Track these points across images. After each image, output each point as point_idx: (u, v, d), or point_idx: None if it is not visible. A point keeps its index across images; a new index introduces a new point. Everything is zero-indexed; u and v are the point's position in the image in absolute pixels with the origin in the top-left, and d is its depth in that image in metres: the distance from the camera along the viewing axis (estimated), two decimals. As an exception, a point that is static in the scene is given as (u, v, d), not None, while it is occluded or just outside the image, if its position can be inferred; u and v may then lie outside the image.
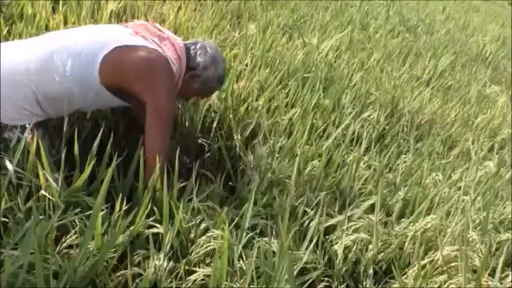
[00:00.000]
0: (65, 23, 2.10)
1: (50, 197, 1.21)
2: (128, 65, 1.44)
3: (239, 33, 2.98)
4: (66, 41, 1.48)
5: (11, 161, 1.22)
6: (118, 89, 1.46)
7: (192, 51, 1.66)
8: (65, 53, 1.42)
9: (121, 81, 1.44)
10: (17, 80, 1.38)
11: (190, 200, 1.37)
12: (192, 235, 1.34)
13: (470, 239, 1.57)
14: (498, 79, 4.89)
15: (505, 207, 1.96)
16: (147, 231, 1.30)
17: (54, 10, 2.20)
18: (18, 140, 1.29)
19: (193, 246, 1.31)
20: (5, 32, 1.87)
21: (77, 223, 1.24)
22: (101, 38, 1.48)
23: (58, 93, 1.42)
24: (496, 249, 1.62)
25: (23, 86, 1.39)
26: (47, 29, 2.07)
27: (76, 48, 1.43)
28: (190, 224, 1.34)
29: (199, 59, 1.65)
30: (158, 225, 1.30)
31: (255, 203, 1.45)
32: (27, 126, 1.35)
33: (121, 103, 1.54)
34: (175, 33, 2.61)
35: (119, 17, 2.54)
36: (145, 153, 1.38)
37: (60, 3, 2.16)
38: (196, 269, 1.27)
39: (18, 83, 1.39)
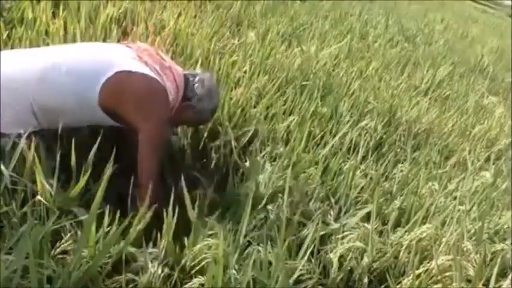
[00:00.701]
0: (65, 28, 2.10)
1: (46, 203, 1.21)
2: (127, 92, 1.46)
3: (238, 41, 3.00)
4: (69, 55, 1.49)
5: (6, 167, 1.22)
6: (113, 111, 1.49)
7: (190, 82, 1.70)
8: (67, 68, 1.43)
9: (118, 106, 1.47)
10: (15, 88, 1.39)
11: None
12: (187, 243, 1.34)
13: (465, 249, 1.57)
14: (496, 90, 4.91)
15: (500, 218, 1.96)
16: (144, 237, 1.31)
17: (54, 15, 2.22)
18: (14, 146, 1.30)
19: (189, 255, 1.31)
20: (5, 36, 1.87)
21: (72, 228, 1.24)
22: (105, 58, 1.50)
23: (54, 106, 1.43)
24: (491, 260, 1.62)
25: (21, 94, 1.40)
26: (46, 33, 2.08)
27: (78, 65, 1.46)
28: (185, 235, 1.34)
29: (196, 90, 1.69)
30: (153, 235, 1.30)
31: (251, 212, 1.45)
32: (22, 133, 1.34)
33: (112, 123, 1.56)
34: (175, 39, 2.63)
35: (119, 22, 2.55)
36: (139, 176, 1.44)
37: (61, 8, 2.18)
38: (191, 278, 1.27)
39: (17, 90, 1.39)
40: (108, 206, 1.23)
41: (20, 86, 1.40)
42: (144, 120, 1.47)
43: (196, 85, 1.69)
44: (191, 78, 1.71)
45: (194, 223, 1.32)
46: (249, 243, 1.38)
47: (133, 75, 1.47)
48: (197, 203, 1.43)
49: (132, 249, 1.26)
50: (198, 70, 1.81)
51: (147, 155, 1.47)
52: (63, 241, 1.22)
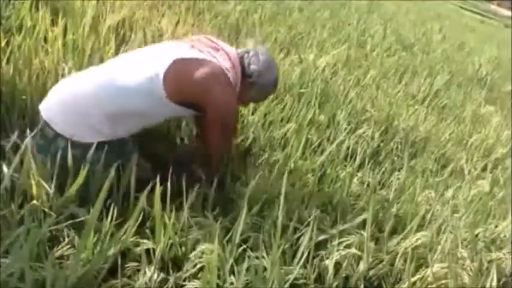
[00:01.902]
0: (64, 36, 2.11)
1: (42, 206, 1.21)
2: (188, 77, 1.51)
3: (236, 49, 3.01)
4: (127, 62, 1.58)
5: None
6: (181, 100, 1.53)
7: (245, 60, 1.73)
8: (129, 72, 1.51)
9: (182, 93, 1.52)
10: (87, 101, 1.47)
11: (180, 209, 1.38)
12: (183, 248, 1.34)
13: (460, 257, 1.58)
14: (493, 99, 4.94)
15: (497, 226, 1.97)
16: (140, 241, 1.31)
17: (53, 22, 2.23)
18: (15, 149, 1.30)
19: (185, 260, 1.31)
20: (3, 43, 1.88)
21: (69, 231, 1.25)
22: (162, 54, 1.56)
23: (126, 111, 1.50)
24: (487, 268, 1.62)
25: (93, 106, 1.47)
26: (45, 41, 2.09)
27: (138, 67, 1.53)
28: (181, 240, 1.34)
29: (253, 66, 1.71)
30: (149, 238, 1.31)
31: (246, 217, 1.45)
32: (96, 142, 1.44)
33: (187, 113, 1.63)
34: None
35: (118, 30, 2.57)
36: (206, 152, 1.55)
37: (60, 15, 2.19)
38: (187, 283, 1.27)
39: (89, 103, 1.47)
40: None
41: (91, 98, 1.47)
42: (209, 98, 1.52)
43: (252, 60, 1.72)
44: (245, 55, 1.73)
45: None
46: (245, 249, 1.38)
47: (189, 61, 1.53)
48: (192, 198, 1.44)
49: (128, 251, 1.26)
50: (251, 46, 1.82)
51: (214, 131, 1.53)
52: (60, 245, 1.23)
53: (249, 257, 1.32)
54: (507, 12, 29.65)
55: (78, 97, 1.48)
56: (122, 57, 1.67)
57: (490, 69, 6.48)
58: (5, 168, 1.25)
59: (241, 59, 1.72)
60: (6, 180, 1.22)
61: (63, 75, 1.89)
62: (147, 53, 1.62)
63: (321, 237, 1.59)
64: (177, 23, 2.99)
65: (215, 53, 1.62)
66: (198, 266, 1.29)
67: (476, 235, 1.70)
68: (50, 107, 1.50)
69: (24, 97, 1.75)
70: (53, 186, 1.26)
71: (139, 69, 1.51)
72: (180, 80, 1.50)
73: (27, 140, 1.31)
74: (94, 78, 1.52)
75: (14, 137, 1.37)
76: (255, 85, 1.73)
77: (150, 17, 2.94)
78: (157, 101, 1.49)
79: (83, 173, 1.30)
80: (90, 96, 1.47)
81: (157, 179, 1.33)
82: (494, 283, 1.48)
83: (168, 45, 1.66)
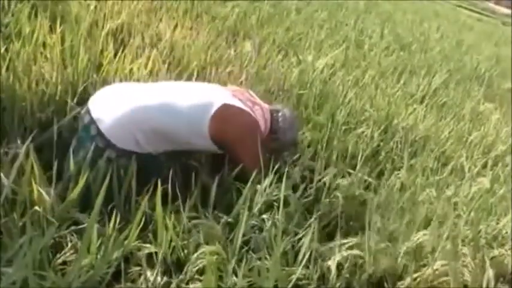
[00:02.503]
0: (62, 42, 2.12)
1: (44, 213, 1.22)
2: (232, 123, 1.67)
3: (235, 51, 3.02)
4: (183, 89, 1.74)
5: (7, 177, 1.23)
6: (218, 140, 1.67)
7: (275, 117, 1.87)
8: (184, 98, 1.65)
9: (223, 135, 1.66)
10: (140, 110, 1.59)
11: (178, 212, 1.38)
12: (185, 251, 1.34)
13: (462, 254, 1.58)
14: (492, 97, 4.94)
15: (498, 223, 1.97)
16: (142, 245, 1.31)
17: (51, 29, 2.23)
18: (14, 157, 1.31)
19: (187, 263, 1.32)
20: (2, 50, 1.89)
21: (72, 237, 1.25)
22: (212, 93, 1.72)
23: (168, 131, 1.62)
24: (488, 265, 1.62)
25: (143, 116, 1.59)
26: (44, 47, 2.10)
27: (192, 97, 1.67)
28: (183, 243, 1.34)
29: (281, 124, 1.87)
30: (152, 242, 1.31)
31: (247, 219, 1.46)
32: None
33: (214, 151, 1.76)
34: (172, 51, 2.65)
35: (116, 35, 2.58)
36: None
37: (58, 22, 2.20)
38: (189, 285, 1.27)
39: (140, 112, 1.59)
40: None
41: (144, 109, 1.59)
42: (243, 149, 1.69)
43: (280, 119, 1.87)
44: (275, 114, 1.88)
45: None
46: (247, 250, 1.39)
47: (236, 108, 1.69)
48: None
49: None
50: (279, 105, 2.00)
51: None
52: (63, 251, 1.23)
53: (251, 257, 1.33)
54: (505, 10, 29.69)
55: (131, 105, 1.59)
56: (177, 83, 1.88)
57: (489, 66, 6.49)
58: (3, 178, 1.25)
59: (272, 115, 1.87)
60: (7, 188, 1.23)
61: (62, 82, 1.90)
62: (199, 88, 1.79)
63: (323, 237, 1.59)
64: (175, 26, 3.00)
65: (252, 106, 1.77)
66: (200, 267, 1.29)
67: (478, 232, 1.70)
68: (100, 105, 1.60)
69: (23, 104, 1.75)
70: (52, 191, 1.26)
71: (192, 100, 1.64)
72: (225, 123, 1.64)
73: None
74: (150, 93, 1.66)
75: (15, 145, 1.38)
76: (277, 140, 1.87)
77: (148, 21, 2.95)
78: (198, 132, 1.63)
79: (83, 179, 1.30)
80: (143, 108, 1.59)
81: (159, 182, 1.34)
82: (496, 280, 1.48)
83: (216, 88, 1.81)
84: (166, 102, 1.62)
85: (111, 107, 1.58)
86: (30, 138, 1.30)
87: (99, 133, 1.54)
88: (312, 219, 1.58)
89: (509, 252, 1.71)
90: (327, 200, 1.83)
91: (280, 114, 1.89)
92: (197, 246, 1.35)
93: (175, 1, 3.55)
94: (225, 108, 1.65)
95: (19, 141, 1.41)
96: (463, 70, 5.67)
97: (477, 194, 2.22)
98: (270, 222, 1.51)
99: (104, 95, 1.66)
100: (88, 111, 1.58)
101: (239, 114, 1.69)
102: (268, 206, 1.61)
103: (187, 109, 1.62)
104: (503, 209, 2.14)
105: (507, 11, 29.42)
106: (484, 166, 2.80)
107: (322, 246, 1.56)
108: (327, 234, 1.70)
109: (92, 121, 1.56)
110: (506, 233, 1.92)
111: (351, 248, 1.57)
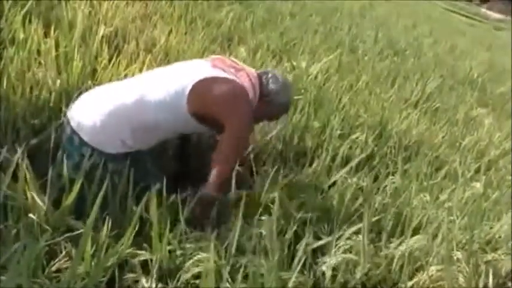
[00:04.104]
0: (56, 48, 2.12)
1: (37, 220, 1.21)
2: (211, 95, 1.58)
3: (229, 56, 3.02)
4: (156, 76, 1.68)
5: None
6: (202, 116, 1.60)
7: (264, 80, 1.81)
8: (157, 86, 1.59)
9: (205, 110, 1.58)
10: (118, 112, 1.55)
11: (177, 220, 1.38)
12: (180, 258, 1.34)
13: (456, 259, 1.58)
14: (485, 101, 4.98)
15: (491, 228, 1.98)
16: (137, 252, 1.31)
17: (45, 34, 2.23)
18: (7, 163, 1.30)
19: (182, 269, 1.31)
20: (-4, 56, 1.88)
21: (67, 245, 1.25)
22: (187, 71, 1.66)
23: (150, 123, 1.58)
24: (482, 269, 1.63)
25: (122, 117, 1.55)
26: (38, 53, 2.10)
27: (166, 81, 1.61)
28: (178, 252, 1.34)
29: (271, 86, 1.80)
30: (146, 249, 1.31)
31: (242, 223, 1.45)
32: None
33: (203, 130, 1.71)
34: (167, 56, 2.66)
35: (110, 40, 2.57)
36: (212, 167, 1.51)
37: (52, 27, 2.19)
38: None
39: (118, 113, 1.55)
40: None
41: (121, 110, 1.55)
42: (230, 116, 1.56)
43: (270, 81, 1.81)
44: (264, 76, 1.82)
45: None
46: (242, 255, 1.38)
47: (214, 79, 1.61)
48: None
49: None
50: (269, 68, 1.93)
51: (229, 145, 1.53)
52: (57, 259, 1.23)
53: (246, 264, 1.32)
54: (498, 16, 29.93)
55: (108, 108, 1.55)
56: (151, 73, 1.77)
57: (482, 71, 6.54)
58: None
59: (260, 79, 1.80)
60: (1, 195, 1.22)
61: (56, 88, 1.90)
62: (173, 70, 1.70)
63: (318, 243, 1.59)
64: (170, 32, 3.00)
65: (236, 73, 1.70)
66: (196, 274, 1.29)
67: (471, 237, 1.71)
68: (79, 115, 1.56)
69: (17, 110, 1.74)
70: (46, 199, 1.25)
71: (166, 85, 1.58)
72: (203, 97, 1.57)
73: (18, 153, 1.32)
74: (124, 91, 1.61)
75: (4, 150, 1.37)
76: (271, 104, 1.81)
77: (143, 27, 2.95)
78: (180, 115, 1.57)
79: (77, 185, 1.30)
80: (119, 108, 1.55)
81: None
82: (490, 284, 1.49)
83: (192, 64, 1.75)
84: (142, 96, 1.56)
85: (90, 114, 1.55)
86: (23, 145, 1.30)
87: (83, 142, 1.52)
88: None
89: (502, 256, 1.72)
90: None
91: (269, 75, 1.83)
92: (192, 252, 1.35)
93: (170, 7, 3.55)
94: (201, 82, 1.58)
95: (12, 148, 1.40)
96: (456, 75, 5.71)
97: (471, 199, 2.23)
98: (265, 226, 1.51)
99: (81, 103, 1.61)
100: (68, 122, 1.56)
101: (218, 82, 1.61)
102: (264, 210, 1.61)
103: (164, 96, 1.56)
104: (496, 213, 2.16)
105: (499, 16, 29.68)
106: (477, 171, 2.82)
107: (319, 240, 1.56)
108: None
109: (74, 131, 1.54)
110: (500, 237, 1.93)
111: (345, 251, 1.58)
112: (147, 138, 1.62)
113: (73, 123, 1.54)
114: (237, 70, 1.72)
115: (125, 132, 1.55)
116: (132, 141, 1.57)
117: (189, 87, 1.56)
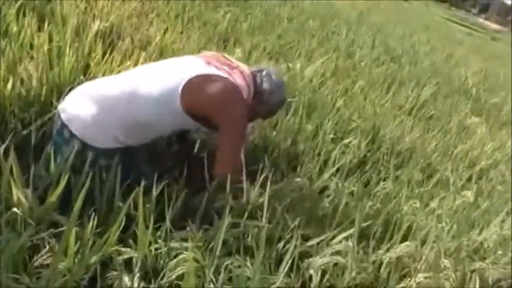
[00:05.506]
0: (50, 41, 2.10)
1: (21, 214, 1.19)
2: (205, 93, 1.57)
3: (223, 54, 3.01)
4: (150, 72, 1.66)
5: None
6: (196, 113, 1.59)
7: (258, 79, 1.80)
8: (151, 82, 1.58)
9: (198, 107, 1.57)
10: (111, 106, 1.54)
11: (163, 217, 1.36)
12: (165, 257, 1.33)
13: (443, 267, 1.58)
14: (479, 111, 4.99)
15: (480, 236, 1.98)
16: (122, 249, 1.29)
17: (39, 28, 2.21)
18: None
19: (165, 269, 1.30)
20: (-13, 48, 1.87)
21: (51, 240, 1.23)
22: (181, 68, 1.64)
23: (144, 119, 1.56)
24: (470, 278, 1.63)
25: (115, 112, 1.54)
26: (31, 47, 2.08)
27: (160, 77, 1.60)
28: (162, 250, 1.33)
29: (265, 85, 1.79)
30: (130, 248, 1.29)
31: (228, 224, 1.44)
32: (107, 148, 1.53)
33: (197, 126, 1.69)
34: (161, 54, 2.64)
35: (105, 37, 2.56)
36: (214, 169, 1.54)
37: (46, 21, 2.18)
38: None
39: (111, 108, 1.54)
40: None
41: (112, 105, 1.54)
42: (223, 115, 1.56)
43: (264, 79, 1.80)
44: (258, 74, 1.81)
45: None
46: (227, 257, 1.37)
47: (208, 77, 1.60)
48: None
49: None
50: (264, 65, 1.91)
51: (228, 144, 1.55)
52: (40, 254, 1.21)
53: (231, 266, 1.31)
54: (495, 26, 30.14)
55: (100, 102, 1.54)
56: (144, 68, 1.76)
57: (477, 81, 6.57)
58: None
59: (255, 77, 1.79)
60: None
61: (47, 82, 1.88)
62: (166, 66, 1.68)
63: (306, 245, 1.58)
64: (166, 30, 2.99)
65: (230, 71, 1.68)
66: (179, 274, 1.27)
67: (460, 245, 1.71)
68: (70, 108, 1.55)
69: (6, 103, 1.73)
70: (29, 193, 1.24)
71: (159, 81, 1.57)
72: (197, 94, 1.56)
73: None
74: (117, 85, 1.59)
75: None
76: (264, 103, 1.80)
77: (139, 24, 2.94)
78: (173, 112, 1.56)
79: (63, 180, 1.28)
80: (111, 103, 1.54)
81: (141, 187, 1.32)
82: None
83: (186, 60, 1.73)
84: (134, 91, 1.55)
85: (82, 107, 1.54)
86: (9, 137, 1.28)
87: (73, 135, 1.51)
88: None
89: (490, 265, 1.72)
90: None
91: (264, 73, 1.81)
92: (177, 251, 1.33)
93: (166, 5, 3.54)
94: (196, 79, 1.57)
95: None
96: (452, 84, 5.73)
97: (461, 207, 2.23)
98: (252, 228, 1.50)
99: (73, 97, 1.60)
100: (59, 115, 1.54)
101: (212, 80, 1.60)
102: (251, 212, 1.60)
103: (157, 92, 1.55)
104: (485, 222, 2.15)
105: (497, 27, 29.88)
106: (469, 179, 2.82)
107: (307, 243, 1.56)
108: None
109: (64, 125, 1.52)
110: (488, 246, 1.92)
111: (334, 254, 1.57)
112: (139, 134, 1.60)
113: (64, 116, 1.53)
114: (231, 68, 1.70)
115: (116, 127, 1.54)
116: (124, 137, 1.56)
117: (183, 84, 1.54)
